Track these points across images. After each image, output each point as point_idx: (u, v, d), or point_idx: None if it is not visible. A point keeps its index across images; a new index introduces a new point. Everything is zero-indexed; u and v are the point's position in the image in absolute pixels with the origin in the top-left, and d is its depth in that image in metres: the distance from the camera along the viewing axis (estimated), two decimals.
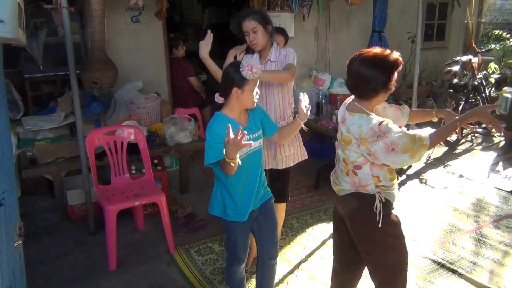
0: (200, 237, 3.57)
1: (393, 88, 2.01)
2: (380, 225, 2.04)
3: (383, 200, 2.07)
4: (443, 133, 2.02)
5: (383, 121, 1.92)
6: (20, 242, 1.67)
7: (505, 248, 3.36)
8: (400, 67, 1.99)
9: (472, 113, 2.02)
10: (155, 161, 4.08)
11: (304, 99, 2.41)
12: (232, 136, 1.84)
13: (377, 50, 2.00)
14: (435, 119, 2.30)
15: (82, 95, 3.75)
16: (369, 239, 2.13)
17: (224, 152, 1.94)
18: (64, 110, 4.25)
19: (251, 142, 2.16)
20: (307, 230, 3.68)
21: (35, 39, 4.50)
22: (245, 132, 1.86)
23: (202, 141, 4.39)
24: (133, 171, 3.81)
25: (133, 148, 3.64)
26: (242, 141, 1.85)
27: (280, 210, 3.03)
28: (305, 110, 2.40)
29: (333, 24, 6.34)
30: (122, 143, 3.53)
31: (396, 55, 1.98)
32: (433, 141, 1.93)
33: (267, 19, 2.77)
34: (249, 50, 2.93)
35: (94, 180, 3.35)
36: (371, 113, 2.00)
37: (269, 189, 2.47)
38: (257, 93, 2.23)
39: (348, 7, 5.86)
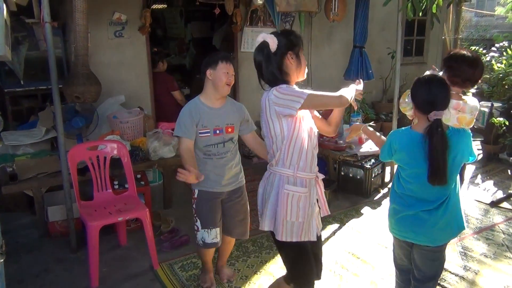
0: (184, 252, 3.54)
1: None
2: None
3: None
4: None
5: None
6: (2, 260, 1.64)
7: (485, 260, 3.42)
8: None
9: None
10: (138, 176, 4.05)
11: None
12: None
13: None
14: None
15: (64, 109, 3.72)
16: None
17: None
18: (45, 124, 4.21)
19: None
20: None
21: (16, 53, 4.49)
22: None
23: None
24: (116, 186, 3.77)
25: (116, 163, 3.61)
26: None
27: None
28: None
29: (315, 39, 6.44)
30: (105, 158, 3.50)
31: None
32: None
33: None
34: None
35: (76, 196, 3.30)
36: None
37: None
38: None
39: (329, 23, 5.96)
